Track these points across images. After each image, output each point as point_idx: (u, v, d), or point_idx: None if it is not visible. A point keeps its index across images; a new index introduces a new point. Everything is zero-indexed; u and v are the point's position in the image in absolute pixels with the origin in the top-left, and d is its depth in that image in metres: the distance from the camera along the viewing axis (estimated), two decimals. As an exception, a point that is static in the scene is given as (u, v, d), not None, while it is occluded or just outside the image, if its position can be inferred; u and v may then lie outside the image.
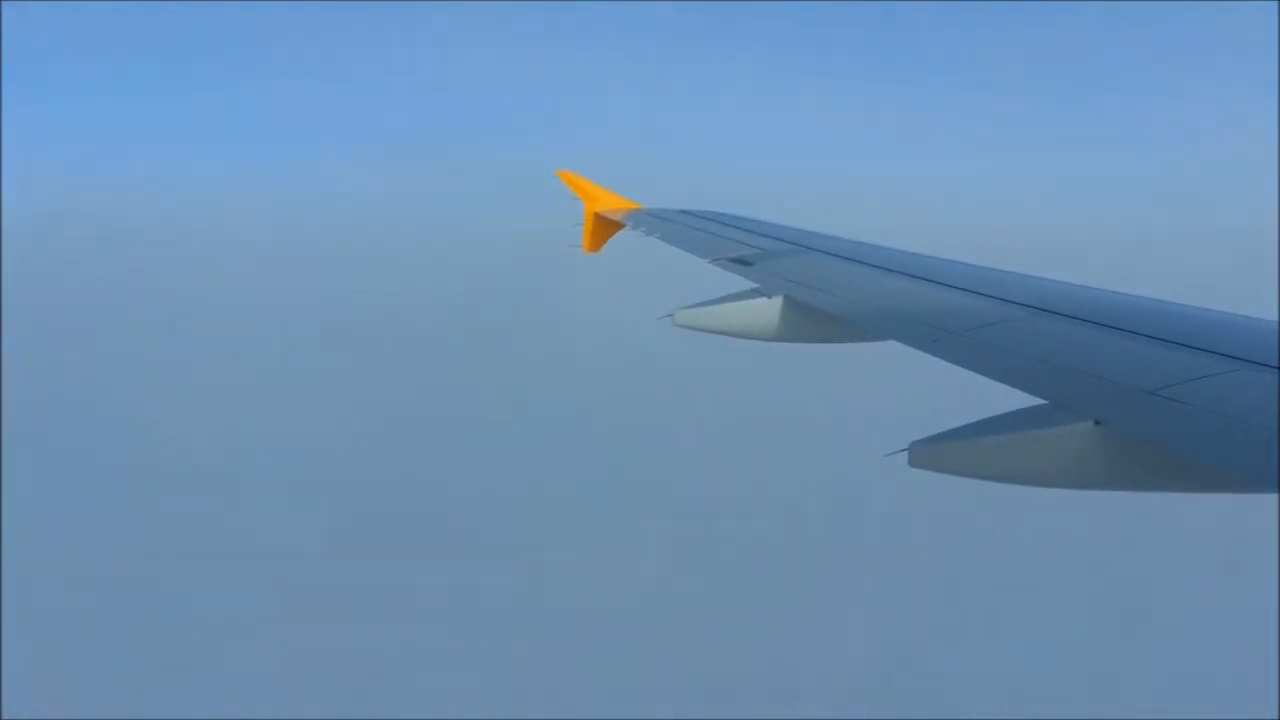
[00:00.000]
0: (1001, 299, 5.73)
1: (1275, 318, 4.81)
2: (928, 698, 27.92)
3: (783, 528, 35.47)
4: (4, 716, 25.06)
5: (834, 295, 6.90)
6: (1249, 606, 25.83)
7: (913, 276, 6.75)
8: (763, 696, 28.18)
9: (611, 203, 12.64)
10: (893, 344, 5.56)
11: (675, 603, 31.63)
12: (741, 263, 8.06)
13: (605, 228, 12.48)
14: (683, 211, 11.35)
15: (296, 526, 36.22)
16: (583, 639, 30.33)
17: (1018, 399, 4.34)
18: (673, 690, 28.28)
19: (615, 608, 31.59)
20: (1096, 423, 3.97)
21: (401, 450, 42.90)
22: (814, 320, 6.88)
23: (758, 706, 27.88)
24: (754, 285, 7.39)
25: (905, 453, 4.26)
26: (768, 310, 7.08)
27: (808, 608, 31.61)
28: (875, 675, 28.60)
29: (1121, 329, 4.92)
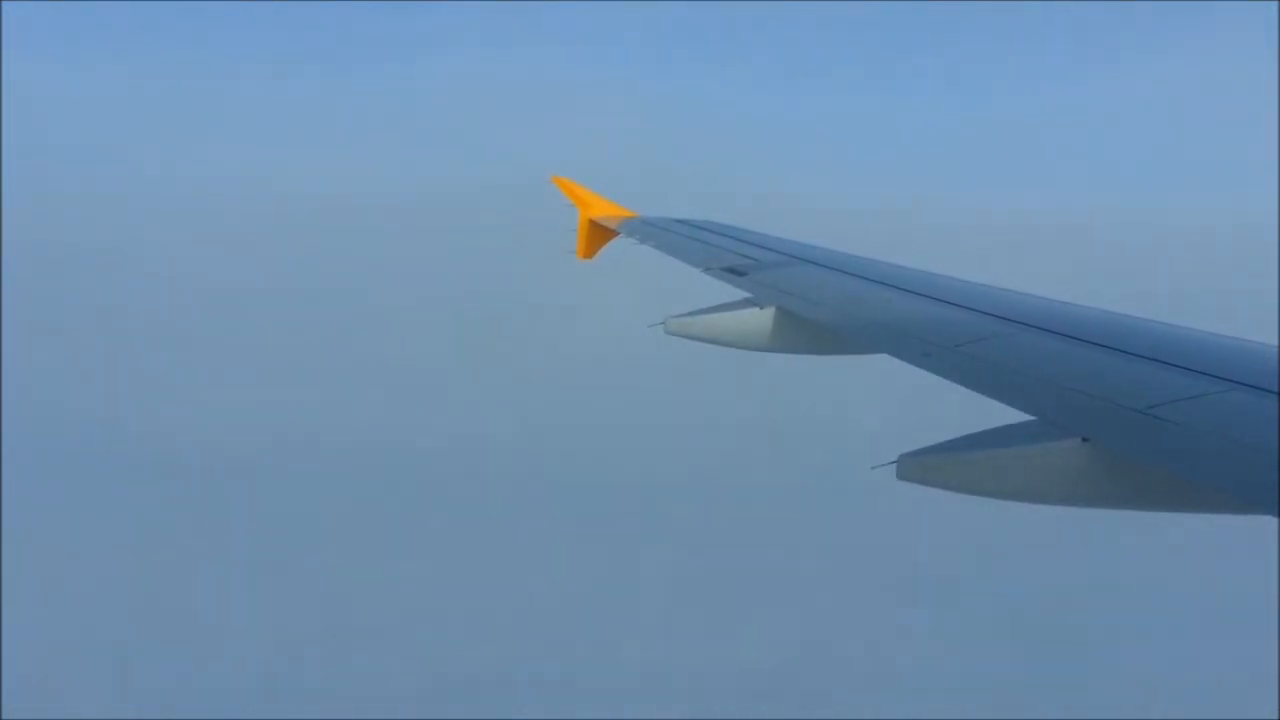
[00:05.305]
0: (993, 314, 5.75)
1: (1274, 320, 4.82)
2: (914, 711, 27.90)
3: (769, 538, 35.44)
4: (4, 717, 24.86)
5: (826, 307, 6.92)
6: (1241, 615, 25.83)
7: (905, 290, 6.77)
8: (744, 708, 28.15)
9: (607, 210, 12.65)
10: (884, 357, 5.57)
11: (658, 612, 31.58)
12: (735, 273, 8.08)
13: (600, 235, 12.50)
14: (678, 221, 11.37)
15: (294, 528, 36.08)
16: (568, 646, 30.28)
17: (1007, 414, 4.35)
18: (653, 699, 28.26)
19: (598, 617, 31.53)
20: (1084, 440, 3.98)
21: (387, 456, 42.74)
22: (806, 332, 6.90)
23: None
24: (747, 295, 7.42)
25: (893, 465, 4.27)
26: (760, 320, 7.10)
27: (792, 618, 31.58)
28: (858, 688, 28.56)
29: (1112, 347, 4.93)
